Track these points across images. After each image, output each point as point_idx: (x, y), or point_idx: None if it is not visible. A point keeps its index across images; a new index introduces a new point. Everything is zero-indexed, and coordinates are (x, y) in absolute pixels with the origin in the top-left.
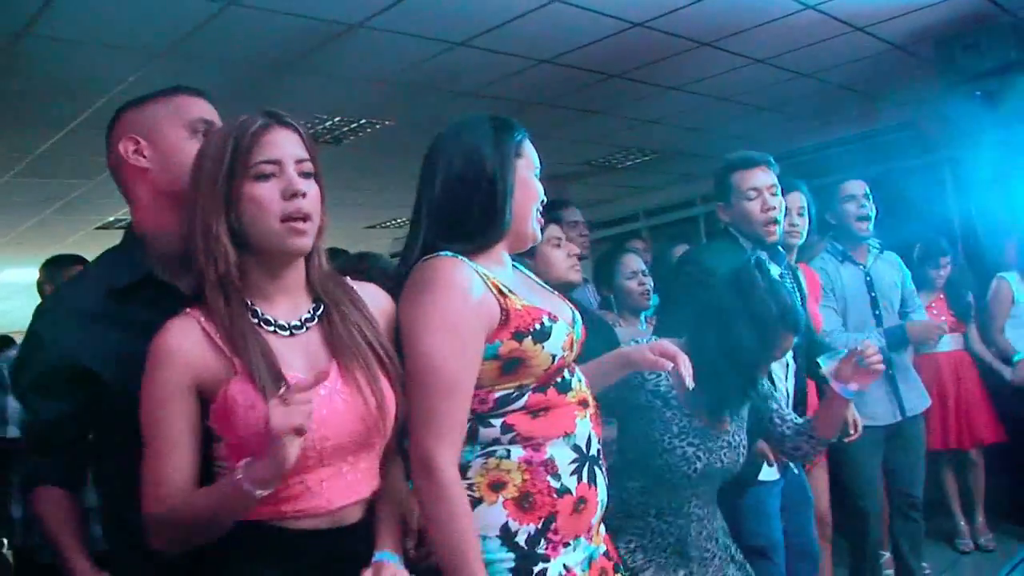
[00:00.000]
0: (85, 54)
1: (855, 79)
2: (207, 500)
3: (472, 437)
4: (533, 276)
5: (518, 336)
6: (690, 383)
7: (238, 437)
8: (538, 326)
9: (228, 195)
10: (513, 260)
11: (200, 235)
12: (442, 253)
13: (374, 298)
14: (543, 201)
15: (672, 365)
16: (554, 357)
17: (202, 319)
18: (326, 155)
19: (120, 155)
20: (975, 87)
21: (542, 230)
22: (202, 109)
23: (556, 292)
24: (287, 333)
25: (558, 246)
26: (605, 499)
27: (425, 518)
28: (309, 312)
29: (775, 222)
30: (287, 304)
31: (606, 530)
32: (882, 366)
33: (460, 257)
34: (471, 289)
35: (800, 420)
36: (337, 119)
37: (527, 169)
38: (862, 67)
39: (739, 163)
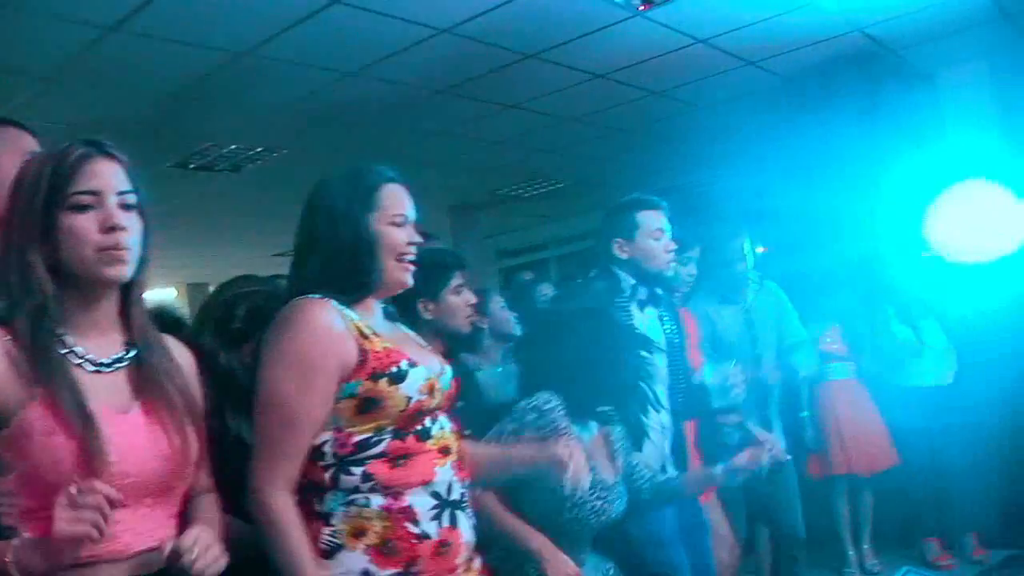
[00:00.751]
0: None
1: (746, 112)
2: None
3: (335, 484)
4: (409, 332)
5: (374, 377)
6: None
7: (32, 466)
8: (395, 368)
9: (44, 225)
10: (398, 317)
11: (15, 265)
12: (310, 295)
13: (176, 349)
14: (411, 244)
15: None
16: (409, 399)
17: (7, 340)
18: (226, 183)
19: None
20: (856, 121)
21: (449, 276)
22: (34, 145)
23: (430, 347)
24: (93, 369)
25: (458, 294)
26: (472, 539)
27: (265, 545)
28: (121, 352)
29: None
30: (99, 341)
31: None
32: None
33: (326, 299)
34: (328, 329)
35: (661, 479)
36: (234, 147)
37: (383, 222)
38: (753, 101)
39: (648, 203)
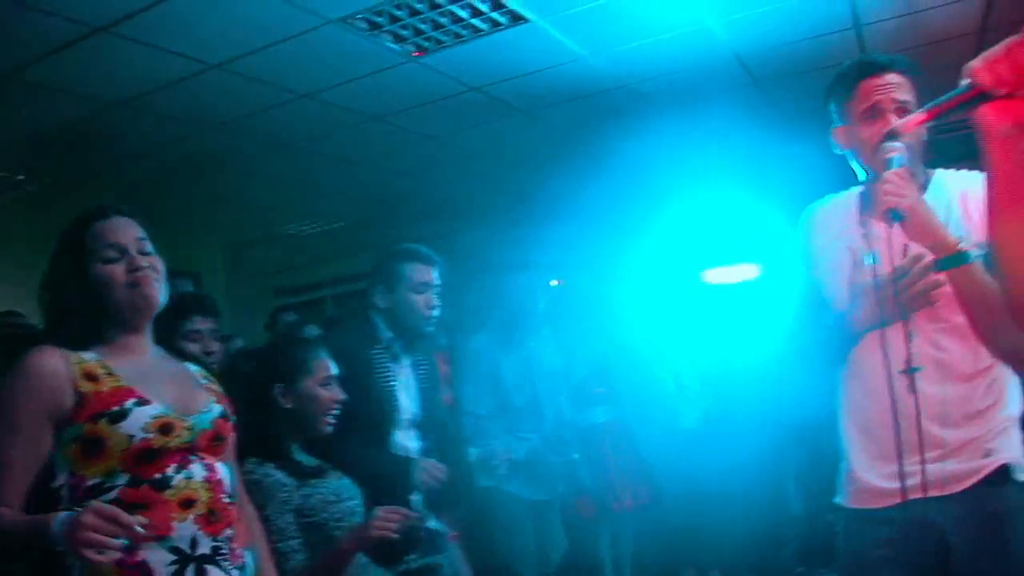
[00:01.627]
0: None
1: (520, 160)
2: None
3: None
4: (192, 370)
5: (95, 418)
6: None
7: None
8: (116, 408)
9: None
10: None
11: None
12: (42, 345)
13: None
14: (137, 269)
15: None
16: (131, 438)
17: None
18: None
19: None
20: (627, 174)
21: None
22: None
23: (200, 384)
24: None
25: (194, 340)
26: None
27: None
28: None
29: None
30: None
31: None
32: None
33: (51, 347)
34: (38, 376)
35: None
36: None
37: (95, 262)
38: (527, 151)
39: (417, 256)
